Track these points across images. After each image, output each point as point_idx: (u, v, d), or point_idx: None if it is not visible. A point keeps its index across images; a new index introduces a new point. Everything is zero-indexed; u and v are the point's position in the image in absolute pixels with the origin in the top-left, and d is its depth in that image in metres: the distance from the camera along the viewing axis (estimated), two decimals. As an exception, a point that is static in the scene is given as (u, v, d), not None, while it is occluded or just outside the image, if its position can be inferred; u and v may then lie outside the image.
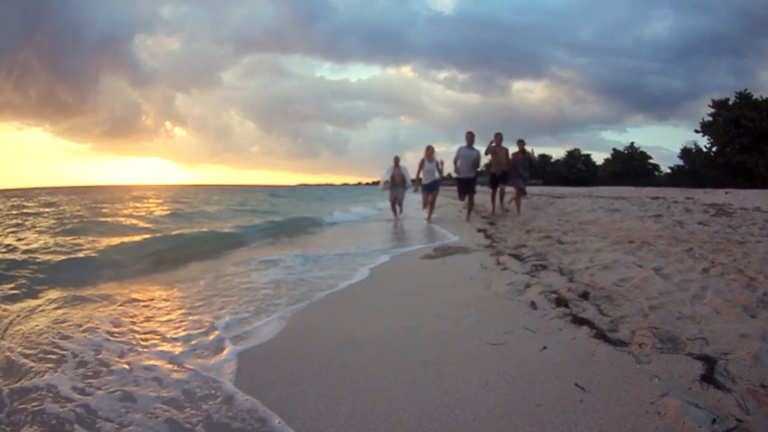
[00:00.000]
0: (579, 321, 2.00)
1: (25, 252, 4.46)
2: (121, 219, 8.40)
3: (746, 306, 2.07)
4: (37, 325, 2.27)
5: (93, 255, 4.30)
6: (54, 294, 2.95)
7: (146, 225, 7.46)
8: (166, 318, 2.43)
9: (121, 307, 2.63)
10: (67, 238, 5.51)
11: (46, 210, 11.71)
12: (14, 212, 10.78)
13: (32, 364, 1.78)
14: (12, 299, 2.84)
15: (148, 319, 2.42)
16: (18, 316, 2.45)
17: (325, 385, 1.59)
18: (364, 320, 2.31)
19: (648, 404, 1.31)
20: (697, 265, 2.96)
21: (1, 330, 2.21)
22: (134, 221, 7.94)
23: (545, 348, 1.78)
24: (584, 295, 2.39)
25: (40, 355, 1.87)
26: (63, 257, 4.16)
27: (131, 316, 2.45)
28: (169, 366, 1.78)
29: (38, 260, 3.98)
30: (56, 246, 4.85)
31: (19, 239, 5.53)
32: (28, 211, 11.32)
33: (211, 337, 2.10)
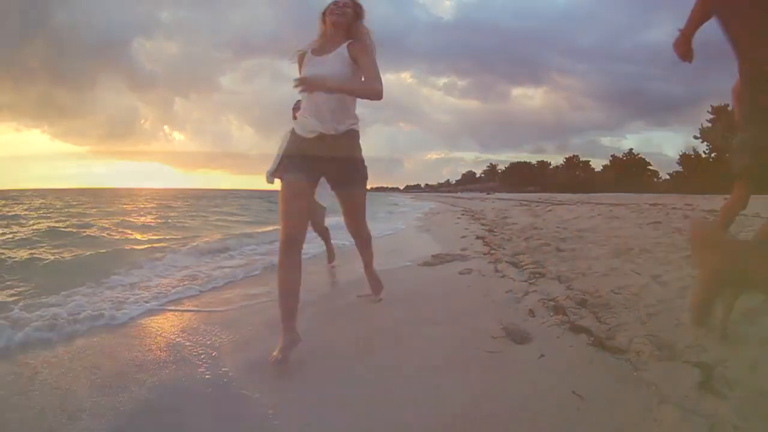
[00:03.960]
0: (577, 329, 1.99)
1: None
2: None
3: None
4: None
5: None
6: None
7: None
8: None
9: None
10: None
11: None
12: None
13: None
14: None
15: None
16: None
17: (317, 393, 1.58)
18: (358, 327, 2.31)
19: (645, 412, 1.31)
20: (697, 272, 2.95)
21: None
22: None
23: (543, 356, 1.78)
24: (582, 303, 2.38)
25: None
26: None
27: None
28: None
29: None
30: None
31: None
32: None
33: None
